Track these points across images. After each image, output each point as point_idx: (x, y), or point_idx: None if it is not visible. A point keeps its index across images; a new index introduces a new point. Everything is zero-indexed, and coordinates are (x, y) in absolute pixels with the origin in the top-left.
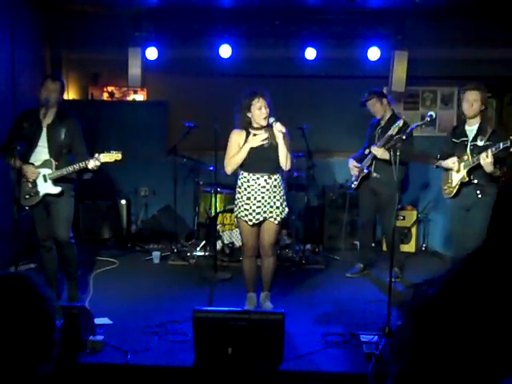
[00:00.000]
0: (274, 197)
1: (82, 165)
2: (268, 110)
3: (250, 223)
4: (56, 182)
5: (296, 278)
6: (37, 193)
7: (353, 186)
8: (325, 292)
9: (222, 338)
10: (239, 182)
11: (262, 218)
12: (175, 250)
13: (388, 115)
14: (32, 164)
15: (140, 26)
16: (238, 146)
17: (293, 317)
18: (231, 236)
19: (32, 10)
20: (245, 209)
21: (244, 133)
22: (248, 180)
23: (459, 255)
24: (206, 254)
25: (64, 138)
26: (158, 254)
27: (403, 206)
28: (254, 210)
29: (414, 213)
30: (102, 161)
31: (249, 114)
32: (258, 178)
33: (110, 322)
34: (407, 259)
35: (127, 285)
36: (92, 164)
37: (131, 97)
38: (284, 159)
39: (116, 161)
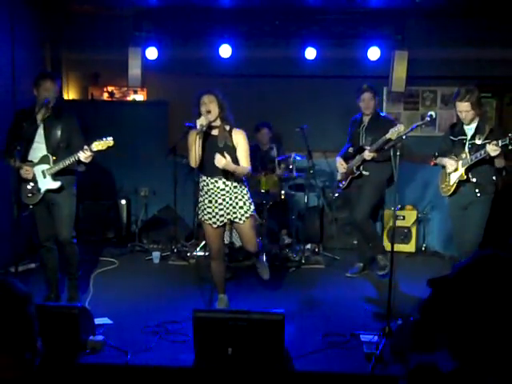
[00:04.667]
0: (236, 197)
1: (76, 157)
2: (211, 106)
3: (215, 226)
4: (55, 177)
5: (296, 278)
6: (38, 190)
7: (341, 185)
8: (325, 292)
9: (222, 337)
10: (200, 186)
11: (226, 220)
12: (175, 250)
13: (372, 114)
14: (31, 161)
15: (140, 26)
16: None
17: (293, 317)
18: (231, 236)
19: (32, 11)
20: (208, 212)
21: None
22: (207, 184)
23: (459, 253)
24: (206, 254)
25: (61, 132)
26: (158, 254)
27: (403, 206)
28: (216, 213)
29: (414, 213)
30: (95, 150)
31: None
32: (216, 181)
33: (110, 321)
34: (407, 259)
35: (127, 285)
36: (83, 156)
37: (131, 97)
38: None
39: (109, 147)
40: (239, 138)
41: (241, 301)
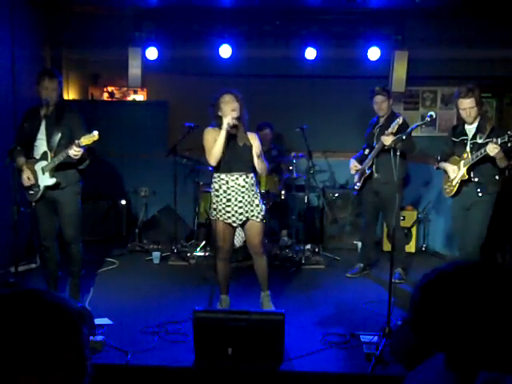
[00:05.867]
0: (253, 195)
1: (66, 152)
2: (235, 105)
3: (234, 225)
4: (53, 173)
5: (296, 278)
6: (38, 187)
7: (356, 187)
8: (325, 292)
9: (222, 337)
10: (216, 186)
11: (245, 218)
12: (175, 251)
13: (387, 115)
14: (34, 158)
15: (140, 26)
16: (214, 141)
17: (293, 317)
18: None
19: (32, 10)
20: (226, 211)
21: (218, 130)
22: (227, 181)
23: (461, 254)
24: (206, 254)
25: (62, 129)
26: (158, 255)
27: (403, 207)
28: (236, 211)
29: (414, 213)
30: (82, 145)
31: (219, 113)
32: (236, 178)
33: (110, 322)
34: (407, 259)
35: (127, 285)
36: (72, 152)
37: (131, 97)
38: (260, 171)
39: (94, 142)
40: (254, 139)
41: (241, 301)
